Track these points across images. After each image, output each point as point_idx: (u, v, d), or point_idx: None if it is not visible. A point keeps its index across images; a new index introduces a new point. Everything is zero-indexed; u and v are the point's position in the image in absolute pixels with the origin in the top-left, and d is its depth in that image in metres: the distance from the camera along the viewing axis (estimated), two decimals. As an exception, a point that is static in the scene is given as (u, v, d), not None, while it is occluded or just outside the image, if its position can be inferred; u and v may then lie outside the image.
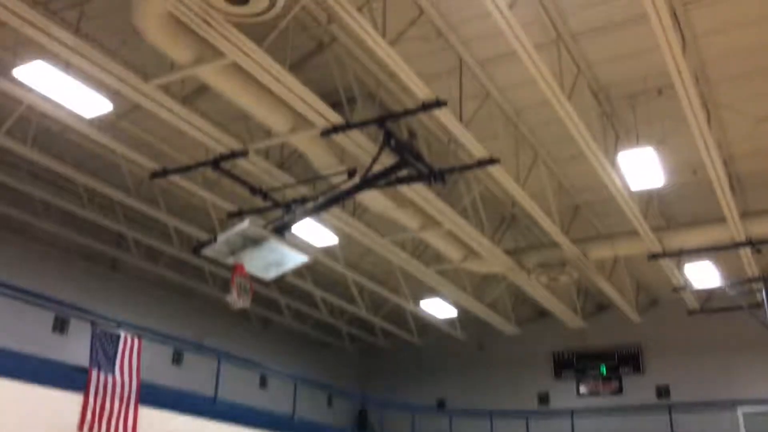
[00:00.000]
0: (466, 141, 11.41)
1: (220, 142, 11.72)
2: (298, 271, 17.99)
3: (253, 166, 12.53)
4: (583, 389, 21.06)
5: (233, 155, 11.13)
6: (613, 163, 11.82)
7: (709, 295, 19.20)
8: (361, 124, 10.81)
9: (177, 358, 17.84)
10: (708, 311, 17.89)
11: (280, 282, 18.17)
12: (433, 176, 8.68)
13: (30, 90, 10.13)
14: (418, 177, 9.04)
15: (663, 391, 19.82)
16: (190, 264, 17.52)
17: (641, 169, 11.55)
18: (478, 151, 11.59)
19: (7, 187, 14.01)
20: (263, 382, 19.99)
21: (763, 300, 15.17)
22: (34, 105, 10.97)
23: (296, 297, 20.20)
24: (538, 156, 13.54)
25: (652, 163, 11.30)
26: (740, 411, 14.72)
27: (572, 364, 21.40)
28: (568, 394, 21.11)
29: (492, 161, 11.53)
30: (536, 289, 17.33)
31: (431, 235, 15.11)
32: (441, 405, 22.16)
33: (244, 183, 10.24)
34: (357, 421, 20.29)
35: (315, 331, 22.02)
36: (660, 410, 18.23)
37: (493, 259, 15.73)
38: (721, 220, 13.76)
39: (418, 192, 12.91)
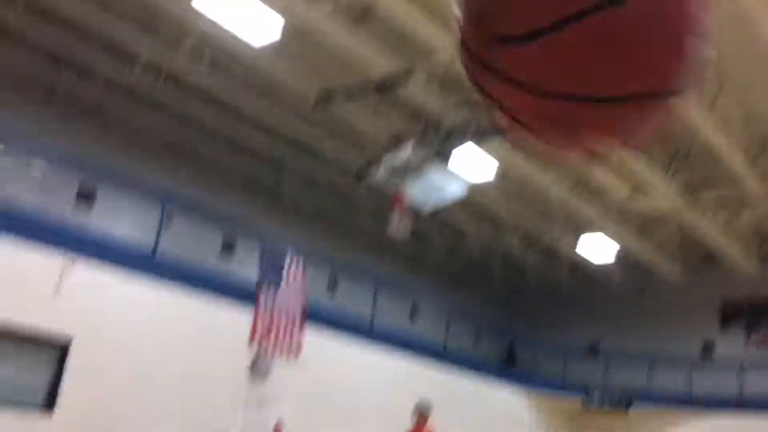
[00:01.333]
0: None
1: (385, 66, 11.52)
2: (452, 205, 17.78)
3: (417, 91, 12.25)
4: (753, 340, 19.57)
5: (396, 79, 10.94)
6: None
7: None
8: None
9: (332, 285, 18.31)
10: None
11: (434, 216, 18.07)
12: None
13: (204, 17, 10.35)
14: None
15: None
16: (347, 193, 17.75)
17: None
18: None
19: (181, 114, 14.69)
20: (413, 315, 20.18)
21: None
22: (209, 32, 11.24)
23: (449, 232, 20.03)
24: (725, 81, 12.27)
25: None
26: None
27: (742, 313, 19.90)
28: (736, 345, 19.71)
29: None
30: (709, 230, 16.07)
31: (596, 167, 14.28)
32: (593, 349, 21.45)
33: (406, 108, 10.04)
34: (505, 358, 20.10)
35: (465, 269, 21.86)
36: None
37: (662, 196, 14.67)
38: None
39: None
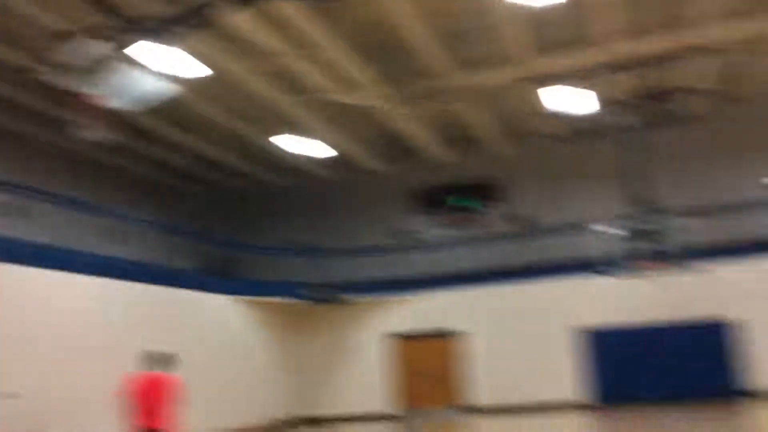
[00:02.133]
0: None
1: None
2: (153, 110, 16.09)
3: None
4: (447, 222, 21.38)
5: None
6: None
7: (571, 123, 19.70)
8: None
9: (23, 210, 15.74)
10: (575, 138, 18.35)
11: (133, 122, 16.28)
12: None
13: None
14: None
15: (523, 220, 20.56)
16: (23, 105, 15.05)
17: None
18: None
19: None
20: (117, 231, 18.36)
21: (629, 122, 15.66)
22: None
23: (151, 138, 18.20)
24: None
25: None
26: (597, 228, 15.45)
27: (437, 198, 21.52)
28: (433, 228, 21.38)
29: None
30: (407, 121, 16.75)
31: (304, 62, 13.83)
32: (305, 246, 21.76)
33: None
34: (220, 266, 19.49)
35: (171, 178, 20.38)
36: (522, 238, 18.94)
37: (366, 90, 14.78)
38: (593, 43, 13.64)
39: (296, 9, 11.45)
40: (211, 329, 16.08)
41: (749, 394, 15.97)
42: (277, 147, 18.18)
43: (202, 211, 22.38)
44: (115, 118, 12.77)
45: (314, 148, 18.53)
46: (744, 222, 17.10)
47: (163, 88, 11.72)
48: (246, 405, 17.03)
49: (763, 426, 11.95)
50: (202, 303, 15.97)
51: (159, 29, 11.34)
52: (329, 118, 17.02)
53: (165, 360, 8.20)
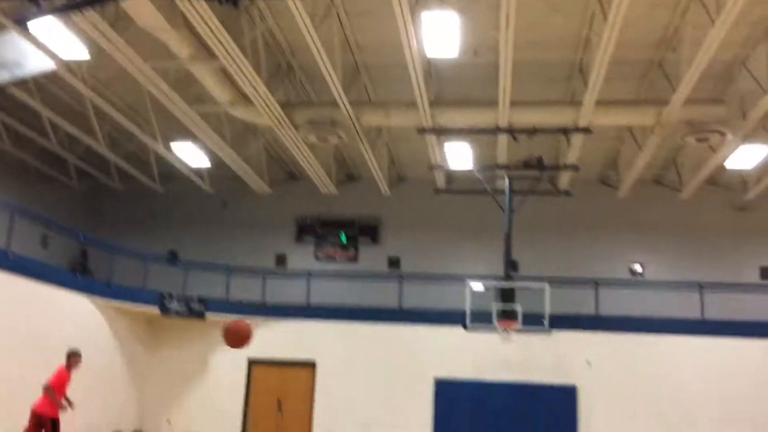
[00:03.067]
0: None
1: None
2: (24, 85, 15.24)
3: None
4: (321, 254, 21.44)
5: None
6: (414, 23, 11.33)
7: (450, 177, 20.39)
8: None
9: None
10: (453, 192, 18.96)
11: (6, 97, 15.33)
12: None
13: None
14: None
15: (394, 262, 20.94)
16: None
17: (440, 34, 11.24)
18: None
19: None
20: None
21: (506, 187, 16.38)
22: None
23: (17, 116, 17.19)
24: (334, 4, 12.60)
25: (452, 29, 11.02)
26: (469, 283, 15.97)
27: (314, 229, 21.58)
28: (307, 258, 21.37)
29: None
30: (299, 147, 16.75)
31: (201, 69, 13.57)
32: (174, 256, 21.08)
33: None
34: (78, 264, 18.44)
35: (37, 160, 19.22)
36: (391, 279, 19.23)
37: (263, 108, 14.67)
38: (489, 104, 14.29)
39: (200, 12, 11.26)
40: (65, 329, 15.08)
41: (579, 460, 16.77)
42: (161, 150, 17.64)
43: (69, 203, 21.23)
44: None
45: (200, 158, 18.15)
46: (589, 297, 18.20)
47: (46, 65, 11.17)
48: (91, 412, 16.02)
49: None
50: (59, 299, 14.99)
51: (52, 6, 10.85)
52: (219, 130, 16.74)
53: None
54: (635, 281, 19.42)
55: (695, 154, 17.29)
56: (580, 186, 19.67)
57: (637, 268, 20.31)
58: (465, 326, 15.84)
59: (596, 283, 18.26)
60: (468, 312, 15.77)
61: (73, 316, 15.55)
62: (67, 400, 9.33)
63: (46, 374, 14.32)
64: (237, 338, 7.28)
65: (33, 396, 14.02)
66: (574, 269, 19.49)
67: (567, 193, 18.40)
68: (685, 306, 18.01)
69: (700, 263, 19.76)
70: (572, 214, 20.21)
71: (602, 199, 20.47)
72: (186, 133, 17.07)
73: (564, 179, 18.70)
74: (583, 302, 18.22)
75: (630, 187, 18.89)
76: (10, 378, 13.43)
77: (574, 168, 16.58)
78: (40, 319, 14.42)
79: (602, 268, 19.79)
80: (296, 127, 15.49)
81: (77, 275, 16.86)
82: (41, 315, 14.48)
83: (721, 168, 17.23)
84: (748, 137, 14.94)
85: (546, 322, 15.55)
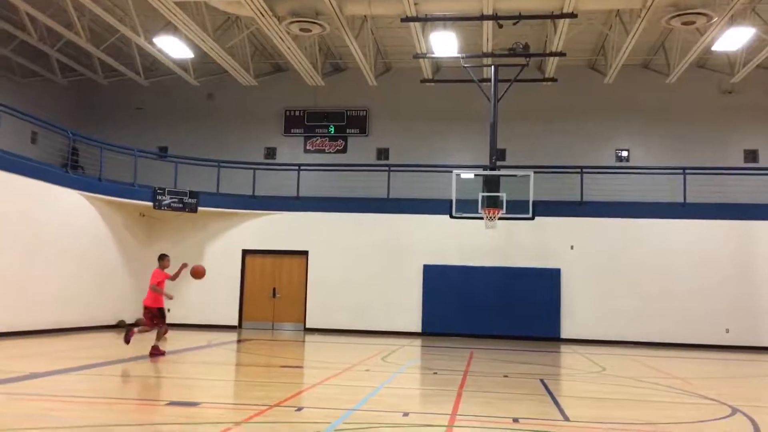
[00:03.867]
0: None
1: None
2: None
3: None
4: (309, 146, 21.58)
5: None
6: None
7: (437, 66, 20.23)
8: None
9: None
10: (440, 81, 18.88)
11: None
12: None
13: None
14: None
15: (383, 152, 21.14)
16: None
17: None
18: None
19: None
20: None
21: (491, 75, 16.32)
22: None
23: (9, 18, 16.89)
24: None
25: None
26: (454, 173, 16.22)
27: (302, 121, 21.61)
28: (296, 151, 21.53)
29: None
30: (282, 39, 16.53)
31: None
32: (164, 151, 21.21)
33: None
34: (69, 160, 18.55)
35: (19, 56, 18.97)
36: (380, 170, 19.45)
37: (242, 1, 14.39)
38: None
39: None
40: (61, 225, 15.44)
41: (560, 339, 17.64)
42: (143, 43, 17.40)
43: (56, 100, 21.12)
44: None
45: (182, 50, 17.92)
46: (576, 184, 18.53)
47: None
48: (91, 304, 16.68)
49: (570, 363, 13.27)
50: (48, 195, 15.24)
51: None
52: (201, 22, 16.44)
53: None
54: (619, 167, 19.68)
55: (683, 38, 17.14)
56: (568, 73, 19.60)
57: (624, 154, 20.55)
58: (451, 215, 16.23)
59: (581, 170, 18.55)
60: (454, 200, 16.12)
61: (68, 212, 15.88)
62: (166, 294, 11.36)
63: (43, 268, 14.88)
64: (197, 276, 11.41)
65: (32, 286, 14.63)
66: (561, 157, 19.80)
67: (553, 80, 18.36)
68: (670, 191, 18.42)
69: (686, 148, 20.02)
70: (559, 101, 20.25)
71: (590, 85, 20.44)
72: (167, 26, 16.79)
73: (551, 66, 18.59)
74: (570, 189, 18.57)
75: (617, 73, 18.80)
76: (9, 271, 13.92)
77: (560, 54, 16.47)
78: (35, 215, 14.74)
79: (589, 155, 20.07)
80: (279, 18, 15.24)
81: (68, 171, 17.04)
82: (35, 211, 14.79)
83: (709, 51, 17.12)
84: (734, 19, 14.78)
85: (530, 209, 15.95)
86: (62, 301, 15.60)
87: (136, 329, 11.44)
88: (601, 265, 17.92)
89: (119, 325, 17.59)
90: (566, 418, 6.57)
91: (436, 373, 10.47)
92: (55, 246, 15.39)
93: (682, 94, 19.99)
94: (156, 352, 11.01)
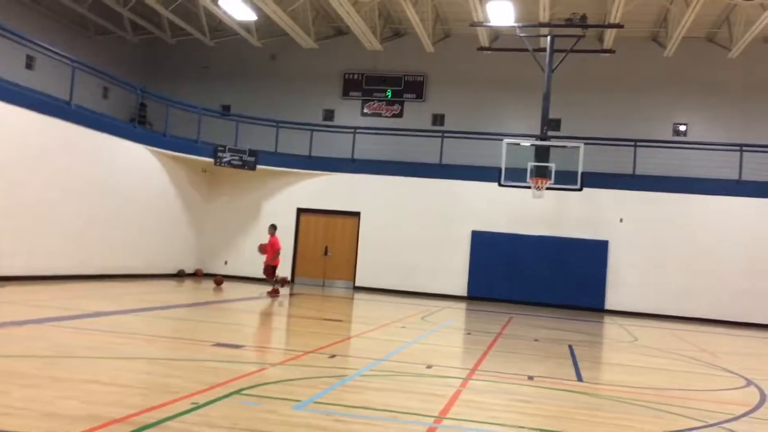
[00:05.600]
0: None
1: None
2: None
3: None
4: (367, 110, 22.02)
5: None
6: None
7: (495, 34, 20.27)
8: None
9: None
10: (496, 49, 18.97)
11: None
12: None
13: None
14: None
15: (438, 118, 21.42)
16: None
17: None
18: None
19: None
20: (29, 64, 18.11)
21: (547, 45, 16.37)
22: None
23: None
24: None
25: None
26: (504, 141, 16.46)
27: (360, 85, 22.04)
28: (353, 113, 22.00)
29: None
30: (341, 3, 16.91)
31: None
32: (226, 110, 22.03)
33: None
34: (137, 115, 19.53)
35: (92, 13, 19.91)
36: (434, 135, 19.79)
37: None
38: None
39: None
40: (124, 176, 16.41)
41: (603, 310, 17.84)
42: (208, 4, 18.05)
43: (126, 57, 22.10)
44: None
45: (246, 12, 18.50)
46: (627, 157, 18.46)
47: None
48: (154, 252, 17.73)
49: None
50: (116, 148, 16.18)
51: None
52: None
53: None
54: (673, 142, 19.47)
55: (747, 13, 16.76)
56: (627, 44, 19.39)
57: (682, 128, 20.29)
58: (500, 183, 16.51)
59: (635, 143, 18.48)
60: (503, 169, 16.38)
61: (134, 165, 16.84)
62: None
63: (111, 216, 15.90)
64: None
65: (100, 234, 15.69)
66: (617, 128, 19.71)
67: (611, 51, 18.22)
68: (729, 167, 18.17)
69: (747, 124, 19.63)
70: (618, 73, 20.07)
71: (649, 57, 20.14)
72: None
73: (609, 37, 18.43)
74: (624, 162, 18.53)
75: (678, 46, 18.51)
76: (77, 220, 14.96)
77: (618, 26, 16.34)
78: (103, 167, 15.72)
79: (645, 128, 19.92)
80: (339, -18, 15.61)
81: (136, 126, 17.98)
82: (104, 163, 15.77)
83: (775, 26, 16.69)
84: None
85: (579, 180, 16.10)
86: (127, 249, 16.66)
87: (278, 286, 14.87)
88: (650, 239, 17.95)
89: (179, 275, 18.65)
90: (579, 379, 6.98)
91: (469, 333, 10.97)
92: (121, 197, 16.39)
93: (744, 69, 19.54)
94: (274, 294, 14.65)
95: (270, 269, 14.81)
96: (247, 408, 4.56)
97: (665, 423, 5.12)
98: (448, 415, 4.83)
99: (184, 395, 4.73)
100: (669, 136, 20.02)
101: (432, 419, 4.66)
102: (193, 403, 4.51)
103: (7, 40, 14.40)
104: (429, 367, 6.95)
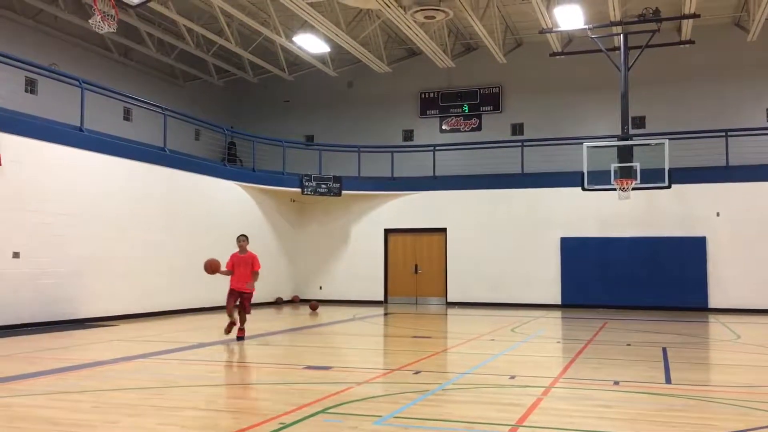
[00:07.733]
0: None
1: None
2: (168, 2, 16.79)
3: None
4: (445, 126, 22.23)
5: None
6: None
7: (569, 39, 20.10)
8: None
9: (31, 86, 16.74)
10: (569, 53, 18.81)
11: (142, 9, 16.95)
12: None
13: None
14: None
15: (517, 127, 21.37)
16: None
17: None
18: None
19: None
20: (127, 115, 19.44)
21: (620, 44, 16.13)
22: None
23: (159, 26, 19.10)
24: None
25: None
26: (585, 145, 16.26)
27: (437, 102, 22.29)
28: (432, 131, 22.27)
29: None
30: (410, 27, 17.28)
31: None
32: (310, 140, 22.78)
33: None
34: (226, 154, 20.53)
35: (179, 63, 21.16)
36: (513, 145, 19.76)
37: (371, -6, 15.28)
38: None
39: None
40: (218, 212, 17.26)
41: (707, 309, 17.17)
42: (284, 42, 18.83)
43: (213, 99, 23.29)
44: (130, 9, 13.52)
45: (320, 46, 19.17)
46: (719, 148, 17.79)
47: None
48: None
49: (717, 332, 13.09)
50: (209, 187, 17.09)
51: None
52: (334, 18, 17.53)
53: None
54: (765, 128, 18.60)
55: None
56: (708, 32, 18.79)
57: (776, 112, 19.39)
58: (583, 187, 16.31)
59: (726, 133, 17.82)
60: (585, 173, 16.18)
61: (227, 201, 17.70)
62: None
63: (209, 251, 16.73)
64: (209, 270, 10.88)
65: (201, 270, 16.50)
66: (705, 120, 19.08)
67: (690, 42, 17.71)
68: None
69: None
70: (700, 62, 19.45)
71: (732, 43, 19.41)
72: (304, 25, 18.08)
73: (687, 28, 17.92)
74: (716, 154, 17.88)
75: (761, 28, 17.77)
76: (177, 256, 15.84)
77: (694, 16, 15.90)
78: (199, 205, 16.62)
79: (735, 116, 19.16)
80: (404, 8, 15.98)
81: (226, 164, 18.91)
82: (200, 202, 16.67)
83: None
84: None
85: (666, 177, 15.69)
86: (227, 281, 17.41)
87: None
88: (751, 231, 17.19)
89: (277, 302, 19.36)
90: (668, 381, 6.88)
91: (559, 342, 10.90)
92: (218, 232, 17.23)
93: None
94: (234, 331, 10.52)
95: (244, 297, 10.90)
96: (330, 425, 4.83)
97: (752, 420, 5.03)
98: (524, 423, 4.94)
99: (272, 416, 5.06)
100: (762, 123, 19.16)
101: (508, 428, 4.78)
102: (280, 424, 4.83)
103: (106, 98, 15.61)
104: (512, 377, 7.04)
